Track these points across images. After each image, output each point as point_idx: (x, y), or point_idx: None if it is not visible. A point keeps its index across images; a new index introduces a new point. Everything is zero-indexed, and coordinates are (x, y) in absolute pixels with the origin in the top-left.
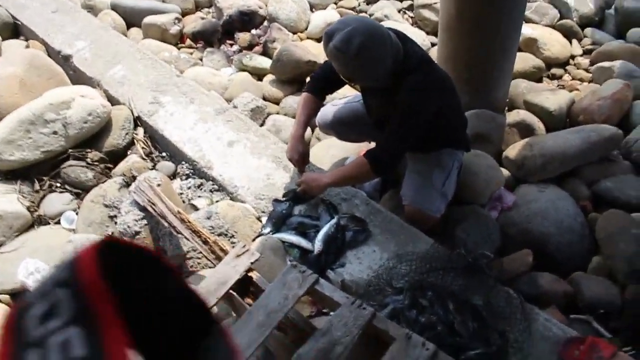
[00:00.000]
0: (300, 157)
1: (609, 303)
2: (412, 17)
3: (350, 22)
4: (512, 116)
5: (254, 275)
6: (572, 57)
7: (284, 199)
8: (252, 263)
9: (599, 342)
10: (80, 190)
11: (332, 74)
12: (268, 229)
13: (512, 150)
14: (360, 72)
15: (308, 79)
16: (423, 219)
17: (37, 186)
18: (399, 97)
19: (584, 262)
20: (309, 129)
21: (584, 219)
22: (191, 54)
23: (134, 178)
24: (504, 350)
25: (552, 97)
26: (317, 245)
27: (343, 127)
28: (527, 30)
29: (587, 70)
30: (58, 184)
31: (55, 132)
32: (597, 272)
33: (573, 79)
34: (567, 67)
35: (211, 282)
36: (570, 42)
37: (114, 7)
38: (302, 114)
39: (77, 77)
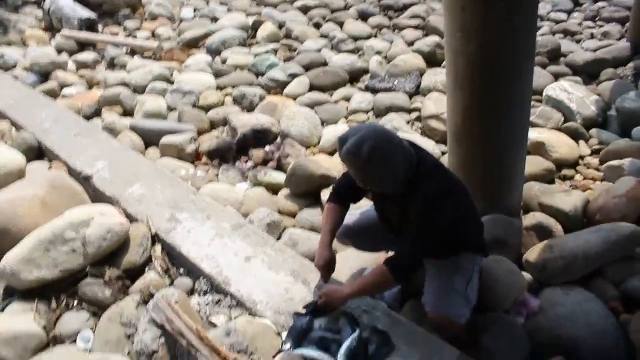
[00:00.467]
0: (326, 264)
1: None
2: (420, 128)
3: (362, 128)
4: (529, 219)
5: None
6: (581, 157)
7: (305, 311)
8: None
9: None
10: (97, 308)
11: (352, 182)
12: (289, 345)
13: (532, 254)
14: (374, 176)
15: (330, 189)
16: (447, 326)
17: (53, 305)
18: (415, 203)
19: None
20: None
21: (616, 321)
22: (207, 171)
23: (151, 295)
24: None
25: (566, 198)
26: None
27: (360, 237)
28: (534, 134)
29: (597, 169)
30: (75, 302)
31: (74, 250)
32: None
33: (585, 178)
34: (578, 167)
35: None
36: (578, 143)
37: (133, 128)
38: (327, 223)
39: (97, 196)
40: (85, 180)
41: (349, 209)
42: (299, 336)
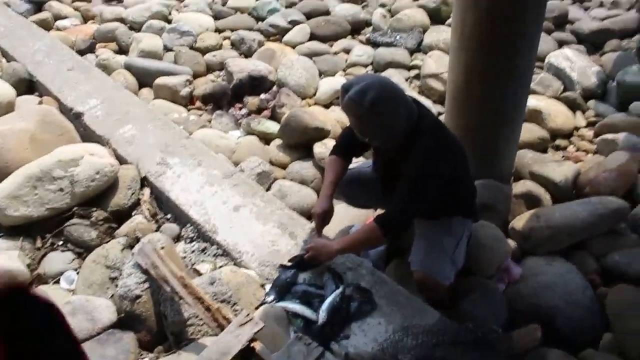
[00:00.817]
0: (322, 214)
1: None
2: (419, 86)
3: (366, 77)
4: (519, 187)
5: (258, 345)
6: (577, 128)
7: (290, 264)
8: (255, 333)
9: None
10: (83, 250)
11: (355, 135)
12: (272, 297)
13: (519, 222)
14: (374, 127)
15: (334, 143)
16: (432, 286)
17: (39, 243)
18: (411, 160)
19: (595, 338)
20: None
21: (593, 294)
22: (200, 115)
23: (137, 240)
24: None
25: (558, 168)
26: (322, 315)
27: (353, 191)
28: (532, 101)
29: (591, 141)
30: (60, 242)
31: (61, 189)
32: (609, 350)
33: (578, 150)
34: (572, 139)
35: (212, 352)
36: (575, 114)
37: (128, 67)
38: (329, 175)
39: (88, 135)
40: (76, 118)
41: (351, 163)
42: (283, 289)
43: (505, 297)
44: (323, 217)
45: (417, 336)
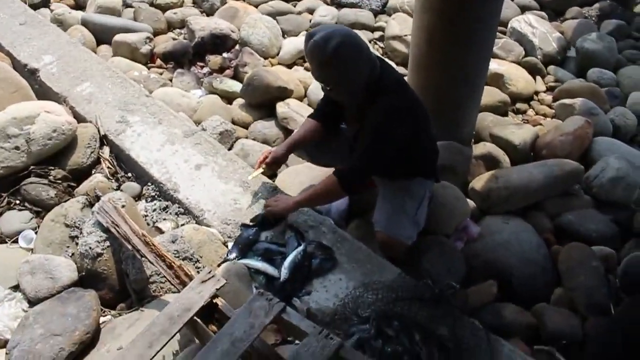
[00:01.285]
0: (273, 154)
1: (571, 334)
2: (382, 48)
3: (332, 26)
4: (479, 149)
5: (220, 302)
6: (536, 93)
7: (252, 223)
8: (217, 289)
9: None
10: (41, 209)
11: (330, 99)
12: (234, 255)
13: (478, 182)
14: (335, 75)
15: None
16: (394, 246)
17: None
18: (372, 116)
19: (547, 294)
20: None
21: (547, 251)
22: (161, 74)
23: (97, 198)
24: None
25: (517, 131)
26: (284, 272)
27: (315, 150)
28: (494, 65)
29: (550, 106)
30: (17, 201)
31: (17, 148)
32: (559, 304)
33: (537, 114)
34: (532, 103)
35: (175, 308)
36: (535, 79)
37: (84, 23)
38: (297, 131)
39: (43, 92)
40: (30, 74)
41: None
42: (245, 247)
43: (463, 255)
44: (271, 159)
45: (377, 292)
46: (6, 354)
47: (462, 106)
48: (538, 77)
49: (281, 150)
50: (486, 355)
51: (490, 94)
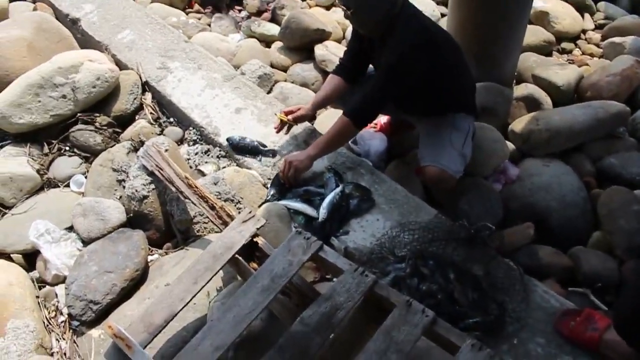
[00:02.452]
0: (297, 110)
1: (607, 277)
2: None
3: None
4: (520, 90)
5: (260, 240)
6: (584, 31)
7: (271, 193)
8: (257, 229)
9: (594, 314)
10: (89, 154)
11: (356, 51)
12: (274, 195)
13: (518, 124)
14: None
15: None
16: (445, 180)
17: (46, 149)
18: (387, 50)
19: (585, 237)
20: None
21: (587, 195)
22: (199, 19)
23: (141, 143)
24: (501, 320)
25: (560, 71)
26: (322, 212)
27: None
28: (538, 2)
29: (598, 45)
30: (67, 148)
31: (64, 96)
32: (596, 247)
33: (583, 53)
34: (578, 42)
35: (217, 247)
36: (583, 16)
37: None
38: (322, 90)
39: (85, 41)
40: (72, 24)
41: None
42: (284, 188)
43: (501, 197)
44: (299, 116)
45: (413, 232)
46: (65, 288)
47: (503, 46)
48: (586, 15)
49: (307, 109)
50: (519, 294)
51: (534, 33)
